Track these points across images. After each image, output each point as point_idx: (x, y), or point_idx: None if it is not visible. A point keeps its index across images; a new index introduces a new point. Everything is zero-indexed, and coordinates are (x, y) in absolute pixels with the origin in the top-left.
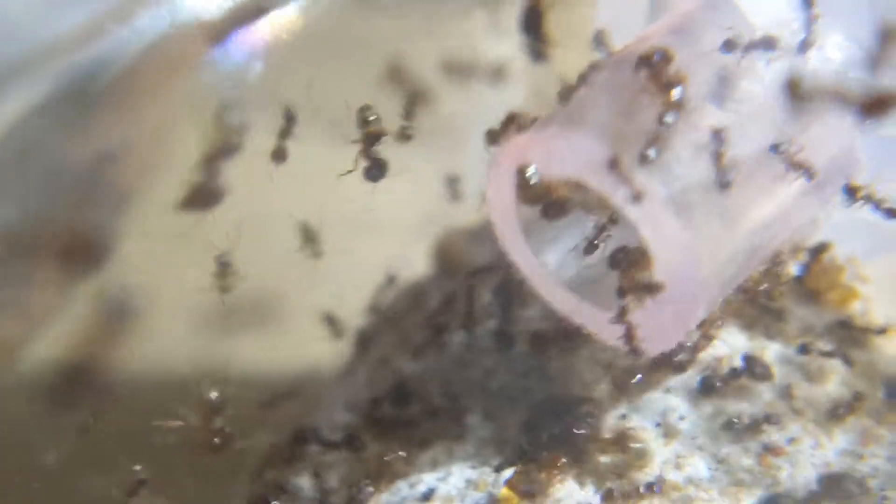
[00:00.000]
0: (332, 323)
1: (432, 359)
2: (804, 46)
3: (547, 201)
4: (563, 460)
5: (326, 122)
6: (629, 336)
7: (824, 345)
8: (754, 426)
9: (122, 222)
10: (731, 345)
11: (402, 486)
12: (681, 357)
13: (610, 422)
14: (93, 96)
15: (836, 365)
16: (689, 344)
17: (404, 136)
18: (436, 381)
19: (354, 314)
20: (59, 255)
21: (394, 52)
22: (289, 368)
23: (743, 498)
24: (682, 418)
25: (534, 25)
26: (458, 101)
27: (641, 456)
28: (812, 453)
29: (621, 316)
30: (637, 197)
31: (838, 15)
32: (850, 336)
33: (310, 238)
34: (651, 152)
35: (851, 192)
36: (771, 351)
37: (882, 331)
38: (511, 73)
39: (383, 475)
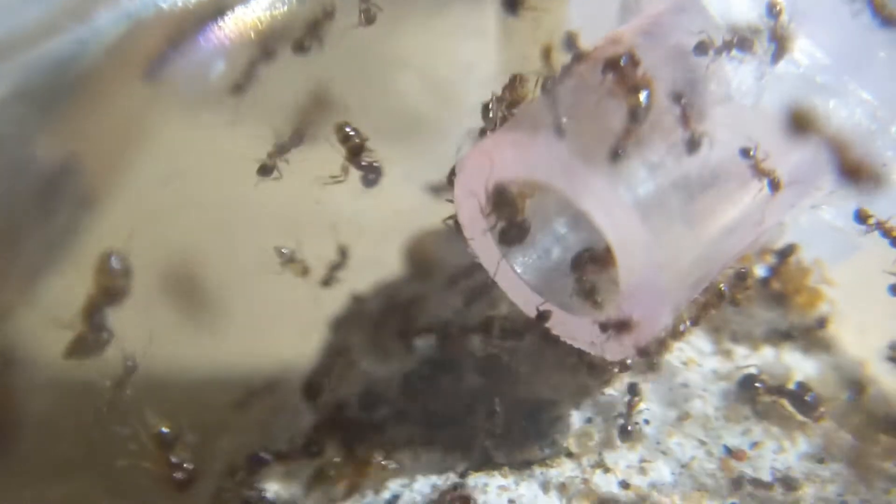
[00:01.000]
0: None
1: (401, 361)
2: (776, 56)
3: (506, 224)
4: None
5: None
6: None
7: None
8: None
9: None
10: (697, 348)
11: (367, 493)
12: (647, 360)
13: (576, 425)
14: (53, 95)
15: (800, 368)
16: (654, 347)
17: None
18: (404, 384)
19: (326, 314)
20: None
21: (359, 52)
22: (262, 366)
23: (705, 503)
24: (647, 422)
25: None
26: (431, 100)
27: (606, 460)
28: (774, 458)
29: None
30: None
31: (804, 20)
32: (814, 338)
33: (290, 259)
34: (617, 156)
35: (862, 219)
36: (737, 354)
37: (822, 324)
38: (485, 71)
39: (349, 481)
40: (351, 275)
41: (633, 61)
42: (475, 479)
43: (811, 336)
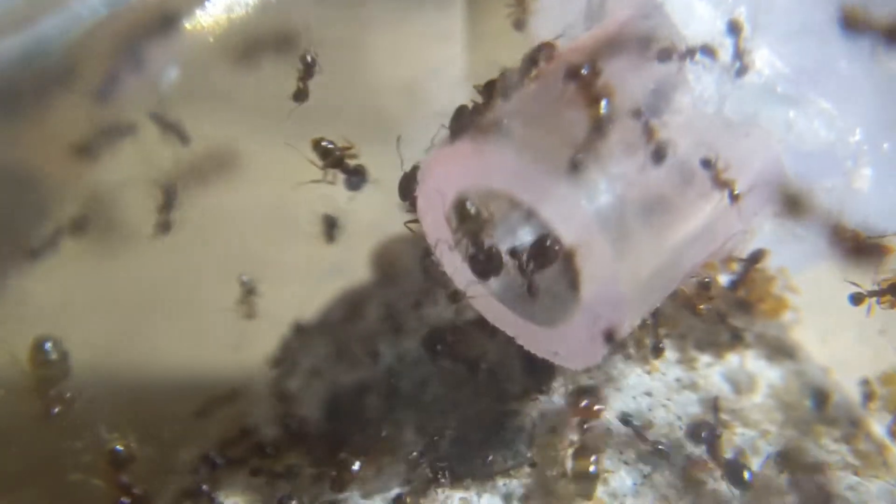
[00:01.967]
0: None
1: (365, 370)
2: (740, 73)
3: (477, 253)
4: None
5: (269, 122)
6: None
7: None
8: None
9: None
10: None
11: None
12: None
13: (539, 435)
14: (20, 90)
15: (765, 376)
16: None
17: None
18: (367, 394)
19: (289, 321)
20: None
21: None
22: (223, 373)
23: None
24: (609, 431)
25: None
26: (398, 104)
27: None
28: None
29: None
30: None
31: (765, 30)
32: (778, 345)
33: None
34: (578, 166)
35: (856, 302)
36: (701, 363)
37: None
38: (452, 74)
39: (309, 493)
40: (316, 280)
41: (595, 70)
42: (440, 492)
43: (775, 343)
